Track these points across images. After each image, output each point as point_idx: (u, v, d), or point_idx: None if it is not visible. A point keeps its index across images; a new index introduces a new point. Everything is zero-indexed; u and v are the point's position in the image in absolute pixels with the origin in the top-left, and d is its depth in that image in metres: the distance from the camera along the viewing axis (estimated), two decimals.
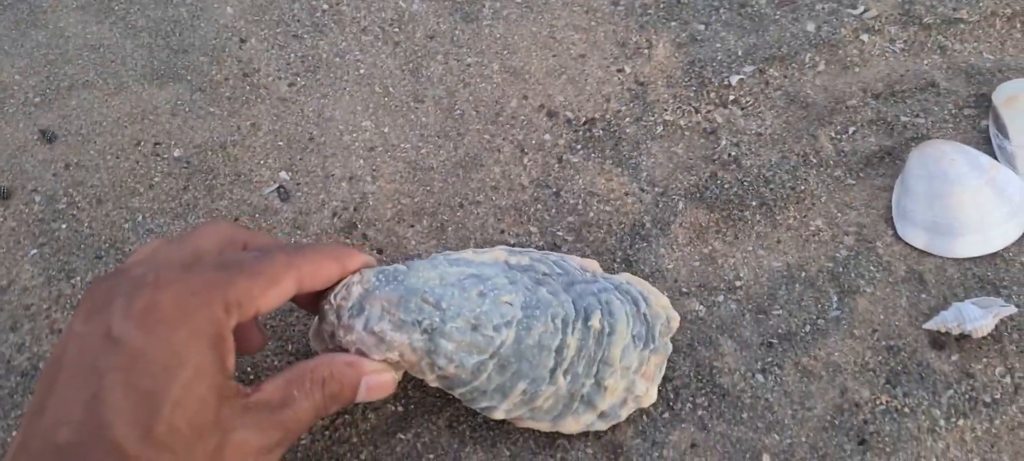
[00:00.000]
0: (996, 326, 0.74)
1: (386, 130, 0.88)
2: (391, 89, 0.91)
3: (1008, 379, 0.72)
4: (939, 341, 0.74)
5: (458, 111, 0.88)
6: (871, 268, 0.78)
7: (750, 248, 0.80)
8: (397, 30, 0.96)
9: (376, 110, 0.89)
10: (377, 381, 0.60)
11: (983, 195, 0.77)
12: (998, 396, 0.71)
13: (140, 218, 0.82)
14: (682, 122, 0.88)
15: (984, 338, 0.73)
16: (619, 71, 0.90)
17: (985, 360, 0.73)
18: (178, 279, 0.50)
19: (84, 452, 0.44)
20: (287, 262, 0.55)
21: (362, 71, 0.92)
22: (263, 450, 0.52)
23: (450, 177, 0.84)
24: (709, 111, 0.89)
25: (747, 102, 0.89)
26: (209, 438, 0.49)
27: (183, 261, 0.53)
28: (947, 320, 0.73)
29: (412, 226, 0.81)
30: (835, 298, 0.77)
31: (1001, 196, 0.78)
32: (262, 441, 0.52)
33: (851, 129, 0.87)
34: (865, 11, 0.97)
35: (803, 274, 0.78)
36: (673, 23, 0.95)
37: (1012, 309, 0.73)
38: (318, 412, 0.56)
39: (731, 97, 0.90)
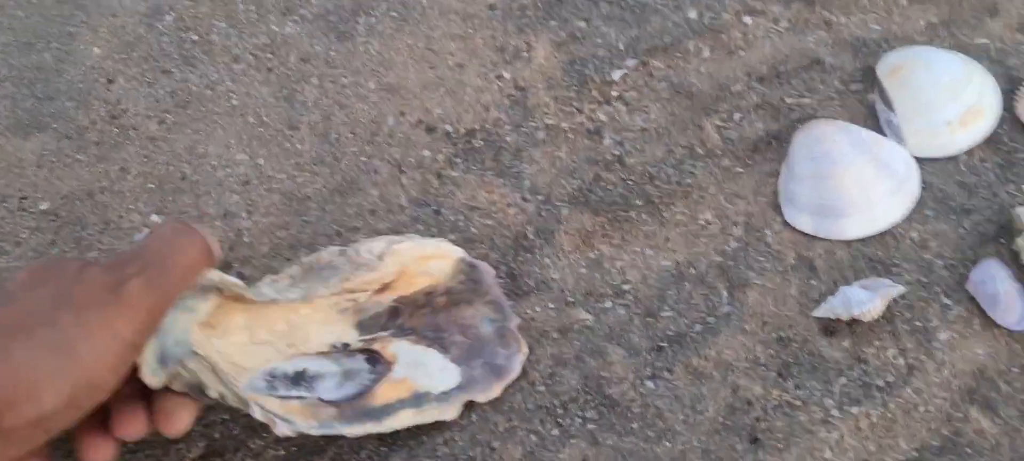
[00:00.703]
0: (888, 306, 0.71)
1: (261, 162, 0.84)
2: (265, 118, 0.87)
3: (901, 360, 0.69)
4: (830, 328, 0.72)
5: (334, 135, 0.85)
6: (760, 259, 0.76)
7: (638, 249, 0.77)
8: (270, 56, 0.92)
9: (250, 141, 0.85)
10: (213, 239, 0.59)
11: (867, 173, 0.75)
12: (891, 379, 0.69)
13: (7, 278, 0.78)
14: (564, 124, 0.85)
15: (876, 320, 0.71)
16: (498, 78, 0.87)
17: (877, 343, 0.71)
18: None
19: None
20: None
21: (235, 102, 0.88)
22: (114, 283, 0.51)
23: (327, 205, 0.81)
24: (592, 110, 0.86)
25: (631, 97, 0.87)
26: (60, 286, 0.50)
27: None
28: (835, 306, 0.71)
29: (289, 260, 0.77)
30: (725, 293, 0.74)
31: (885, 172, 0.76)
32: (108, 276, 0.51)
33: (737, 116, 0.85)
34: None
35: (693, 271, 0.75)
36: (553, 22, 0.92)
37: (900, 289, 0.70)
38: (172, 240, 0.57)
39: (614, 93, 0.87)
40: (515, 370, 0.67)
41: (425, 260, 0.68)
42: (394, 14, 0.96)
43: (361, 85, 0.91)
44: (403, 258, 0.67)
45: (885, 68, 0.84)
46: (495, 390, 0.66)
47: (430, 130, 0.87)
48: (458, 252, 0.70)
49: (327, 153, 0.86)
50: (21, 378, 0.44)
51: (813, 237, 0.77)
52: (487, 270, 0.71)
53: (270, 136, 0.88)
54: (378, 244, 0.67)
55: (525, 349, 0.68)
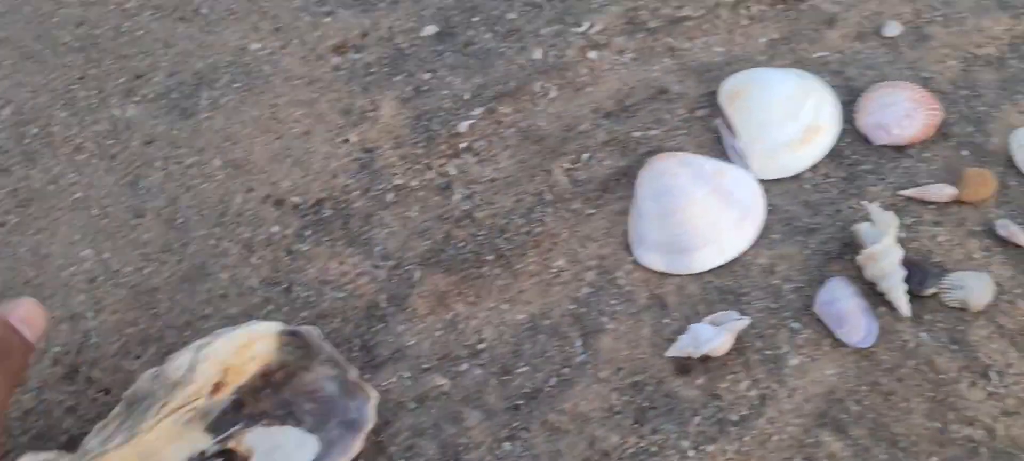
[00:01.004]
0: (738, 338, 0.71)
1: (107, 256, 0.82)
2: (110, 209, 0.84)
3: (754, 392, 0.69)
4: (684, 367, 0.72)
5: (181, 220, 0.82)
6: (613, 302, 0.75)
7: (492, 305, 0.76)
8: (113, 141, 0.89)
9: (95, 236, 0.83)
10: (25, 312, 0.57)
11: (711, 205, 0.75)
12: (745, 412, 0.69)
13: None
14: (414, 183, 0.84)
15: (727, 354, 0.71)
16: (345, 142, 0.86)
17: (730, 377, 0.70)
18: None
19: None
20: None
21: (78, 195, 0.86)
22: None
23: (176, 294, 0.78)
24: (441, 165, 0.85)
25: (480, 147, 0.86)
26: None
27: None
28: (686, 345, 0.70)
29: (138, 358, 0.75)
30: (579, 342, 0.73)
31: (730, 201, 0.76)
32: None
33: (585, 156, 0.84)
34: (590, 27, 0.95)
35: (547, 322, 0.75)
36: (397, 78, 0.91)
37: (746, 321, 0.70)
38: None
39: (463, 145, 0.86)
40: (369, 419, 0.67)
41: (245, 348, 0.66)
42: (237, 85, 0.94)
43: (207, 164, 0.88)
44: (220, 357, 0.65)
45: (725, 94, 0.84)
46: (355, 445, 0.66)
47: (278, 204, 0.85)
48: (274, 326, 0.69)
49: (174, 239, 0.84)
50: None
51: (664, 274, 0.77)
52: (311, 331, 0.69)
53: (115, 227, 0.85)
54: (185, 356, 0.65)
55: (373, 394, 0.67)
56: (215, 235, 0.83)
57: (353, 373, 0.68)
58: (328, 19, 0.98)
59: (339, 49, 0.95)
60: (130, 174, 0.89)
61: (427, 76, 0.92)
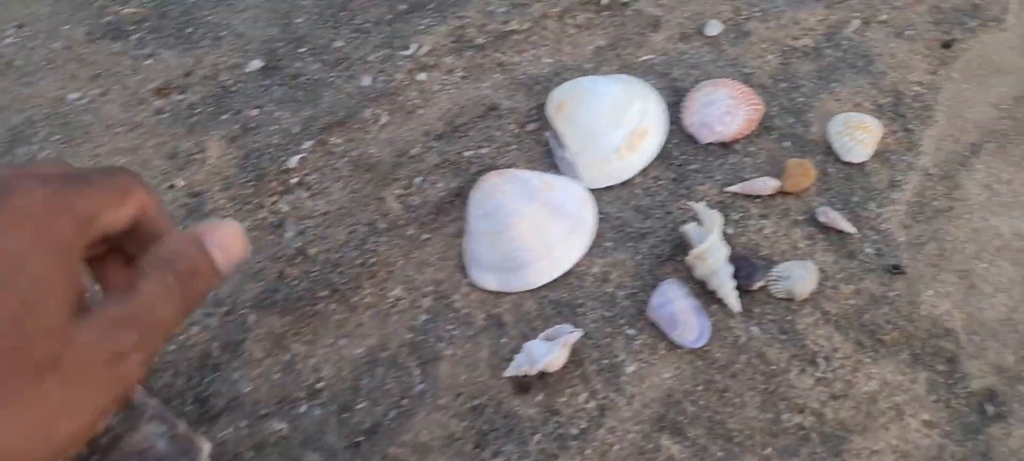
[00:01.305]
0: (574, 351, 0.71)
1: None
2: None
3: (592, 403, 0.69)
4: (523, 385, 0.71)
5: None
6: (450, 327, 0.74)
7: (330, 342, 0.74)
8: None
9: None
10: (223, 234, 0.50)
11: (540, 219, 0.75)
12: (585, 425, 0.68)
13: None
14: (245, 224, 0.81)
15: (565, 367, 0.70)
16: (171, 187, 0.82)
17: (569, 391, 0.70)
18: (30, 189, 0.43)
19: None
20: (131, 183, 0.47)
21: None
22: (112, 357, 0.43)
23: None
24: (273, 203, 0.82)
25: (311, 180, 0.83)
26: (43, 345, 0.41)
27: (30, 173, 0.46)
28: (522, 364, 0.70)
29: None
30: (418, 371, 0.72)
31: (558, 214, 0.75)
32: (108, 347, 0.43)
33: (418, 180, 0.83)
34: (418, 49, 0.93)
35: (385, 354, 0.73)
36: (224, 116, 0.88)
37: (578, 333, 0.70)
38: (177, 298, 0.47)
39: (294, 180, 0.83)
40: None
41: None
42: (56, 137, 0.90)
43: None
44: None
45: (552, 105, 0.84)
46: None
47: None
48: None
49: None
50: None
51: (500, 293, 0.76)
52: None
53: None
54: None
55: (206, 445, 0.65)
56: None
57: (182, 426, 0.66)
58: (149, 61, 0.95)
59: (162, 92, 0.92)
60: None
61: (254, 112, 0.89)
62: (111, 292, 0.48)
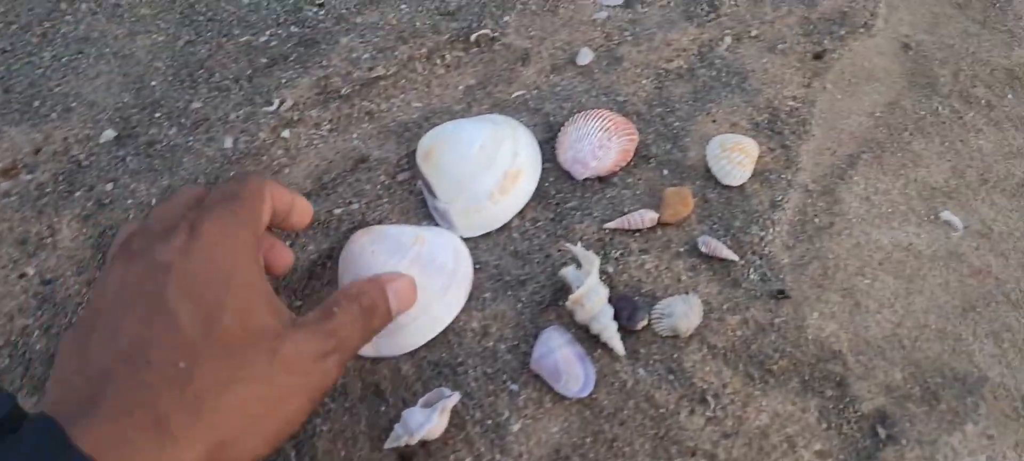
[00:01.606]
0: (456, 413, 0.67)
1: None
2: None
3: None
4: (406, 455, 0.67)
5: None
6: (326, 400, 0.69)
7: None
8: None
9: None
10: (400, 284, 0.68)
11: (413, 274, 0.70)
12: None
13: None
14: None
15: (447, 432, 0.66)
16: (21, 276, 0.76)
17: (452, 456, 0.66)
18: (206, 216, 0.56)
19: (147, 347, 0.49)
20: (261, 181, 0.62)
21: None
22: (318, 355, 0.57)
23: None
24: None
25: None
26: (264, 342, 0.53)
27: (188, 205, 0.59)
28: (400, 435, 0.66)
29: None
30: (293, 452, 0.68)
31: (432, 269, 0.72)
32: (315, 347, 0.57)
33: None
34: (281, 104, 0.89)
35: None
36: (77, 194, 0.82)
37: (456, 396, 0.67)
38: (360, 326, 0.62)
39: None
40: None
41: None
42: None
43: None
44: None
45: (421, 153, 0.81)
46: None
47: None
48: None
49: None
50: (237, 425, 0.50)
51: (377, 358, 0.71)
52: None
53: None
54: None
55: None
56: None
57: None
58: None
59: (9, 173, 0.86)
60: None
61: (109, 186, 0.84)
62: (311, 313, 0.60)
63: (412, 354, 0.73)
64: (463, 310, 0.74)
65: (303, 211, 0.68)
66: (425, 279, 0.71)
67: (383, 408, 0.70)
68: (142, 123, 0.90)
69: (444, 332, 0.73)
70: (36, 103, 0.93)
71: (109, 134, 0.89)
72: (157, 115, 0.91)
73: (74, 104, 0.92)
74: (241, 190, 0.60)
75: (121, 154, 0.88)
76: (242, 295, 0.54)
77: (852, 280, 0.75)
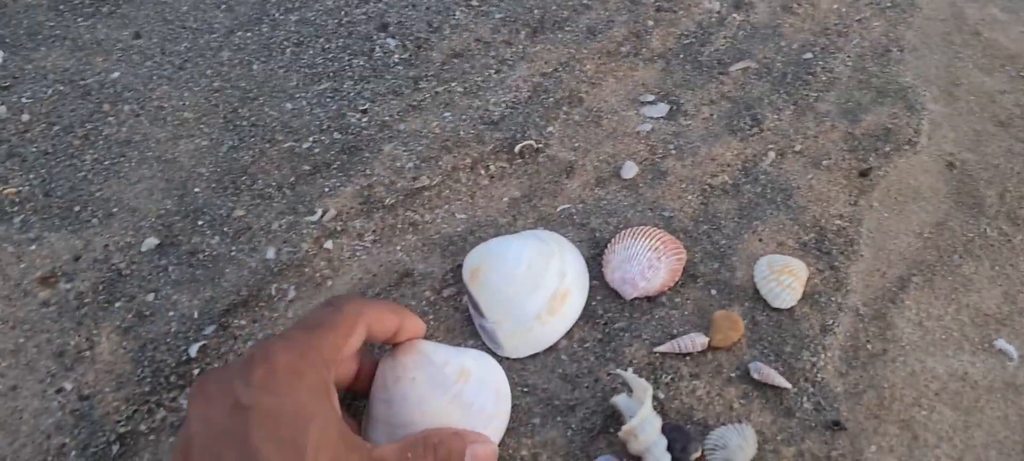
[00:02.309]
0: None
1: None
2: None
3: None
4: None
5: None
6: None
7: None
8: None
9: None
10: (482, 451, 0.65)
11: (449, 414, 0.69)
12: None
13: None
14: (142, 428, 0.74)
15: None
16: (59, 392, 0.75)
17: None
18: (283, 348, 0.57)
19: None
20: (357, 311, 0.63)
21: None
22: None
23: None
24: (172, 399, 0.76)
25: None
26: None
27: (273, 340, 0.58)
28: None
29: None
30: None
31: (472, 412, 0.70)
32: None
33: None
34: (324, 214, 0.88)
35: None
36: (117, 304, 0.81)
37: None
38: None
39: (196, 371, 0.77)
40: None
41: None
42: None
43: None
44: None
45: (467, 271, 0.80)
46: None
47: None
48: None
49: None
50: None
51: None
52: None
53: None
54: None
55: None
56: None
57: None
58: (33, 247, 0.88)
59: (48, 280, 0.85)
60: None
61: (150, 297, 0.83)
62: (388, 449, 0.60)
63: None
64: (511, 435, 0.72)
65: (415, 329, 0.69)
66: (466, 419, 0.70)
67: None
68: (185, 231, 0.89)
69: None
70: (77, 208, 0.92)
71: (151, 242, 0.89)
72: (200, 223, 0.90)
73: (115, 209, 0.92)
74: (327, 318, 0.61)
75: (163, 263, 0.87)
76: (325, 433, 0.55)
77: (909, 411, 0.73)
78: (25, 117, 1.03)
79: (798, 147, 0.95)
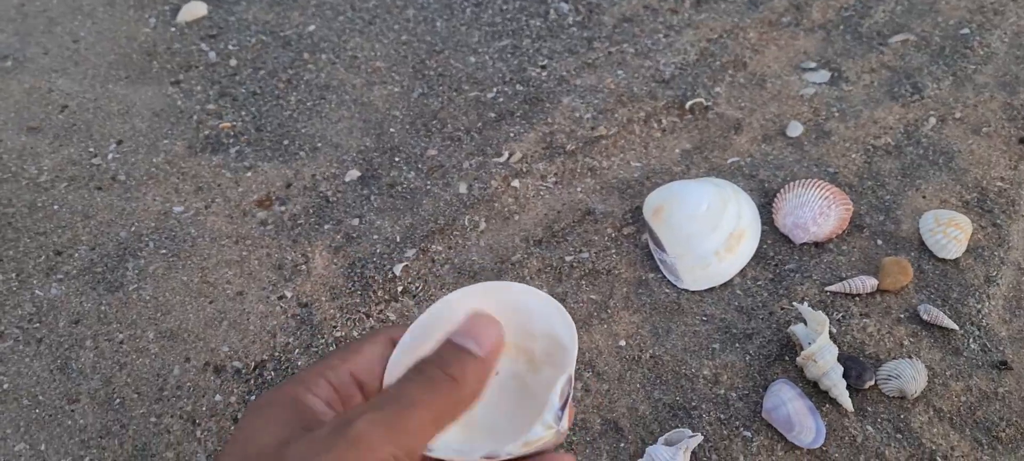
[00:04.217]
0: (693, 455, 0.72)
1: (42, 447, 0.78)
2: (41, 397, 0.81)
3: None
4: None
5: (118, 399, 0.80)
6: (568, 433, 0.75)
7: None
8: (38, 325, 0.86)
9: (28, 427, 0.80)
10: (487, 331, 0.50)
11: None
12: None
13: None
14: (355, 333, 0.83)
15: None
16: (280, 298, 0.85)
17: None
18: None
19: None
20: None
21: (5, 386, 0.82)
22: None
23: None
24: (380, 311, 0.84)
25: (417, 288, 0.86)
26: None
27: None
28: None
29: None
30: None
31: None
32: None
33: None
34: (510, 156, 0.97)
35: None
36: (327, 226, 0.91)
37: (698, 438, 0.72)
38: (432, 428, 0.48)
39: (400, 288, 0.86)
40: None
41: None
42: (164, 252, 0.93)
43: (139, 337, 0.87)
44: None
45: (649, 210, 0.87)
46: None
47: (219, 371, 0.84)
48: None
49: (113, 421, 0.81)
50: None
51: (613, 398, 0.77)
52: None
53: (49, 416, 0.83)
54: None
55: None
56: (155, 412, 0.81)
57: None
58: (249, 173, 0.98)
59: (264, 203, 0.95)
60: (59, 357, 0.86)
61: (355, 222, 0.92)
62: None
63: (648, 395, 0.78)
64: (694, 357, 0.79)
65: None
66: None
67: (622, 444, 0.76)
68: (383, 166, 0.99)
69: (676, 376, 0.78)
70: (285, 142, 1.02)
71: (354, 174, 0.98)
72: (397, 159, 0.99)
73: (320, 145, 1.01)
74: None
75: (365, 193, 0.97)
76: None
77: None
78: (233, 62, 1.14)
79: (958, 114, 1.00)
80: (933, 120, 0.99)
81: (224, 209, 0.95)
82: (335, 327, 0.85)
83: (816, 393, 0.76)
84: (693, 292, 0.84)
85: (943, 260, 0.85)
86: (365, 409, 0.41)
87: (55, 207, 0.99)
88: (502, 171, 0.95)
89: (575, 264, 0.87)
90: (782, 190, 0.90)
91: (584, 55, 1.09)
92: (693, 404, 0.77)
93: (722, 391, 0.77)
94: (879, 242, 0.87)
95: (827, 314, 0.81)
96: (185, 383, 0.83)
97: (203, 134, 1.03)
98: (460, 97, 1.05)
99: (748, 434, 0.74)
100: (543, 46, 1.10)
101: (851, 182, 0.92)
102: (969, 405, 0.74)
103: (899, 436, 0.73)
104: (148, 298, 0.89)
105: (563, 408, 0.40)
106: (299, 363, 0.83)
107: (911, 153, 0.95)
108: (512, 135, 0.98)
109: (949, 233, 0.85)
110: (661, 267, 0.86)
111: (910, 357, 0.78)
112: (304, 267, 0.90)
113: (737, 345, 0.80)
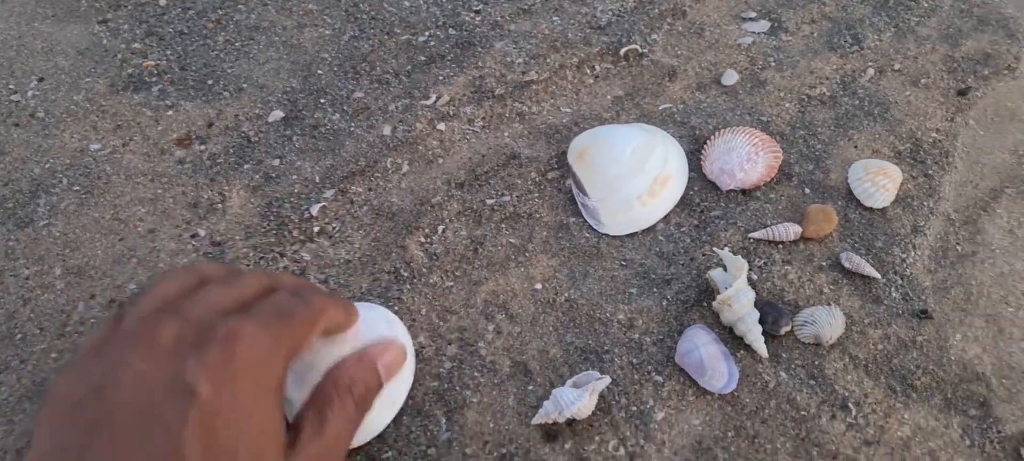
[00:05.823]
0: (602, 398, 0.70)
1: None
2: None
3: (622, 451, 0.68)
4: (552, 432, 0.70)
5: (19, 334, 0.78)
6: (476, 374, 0.73)
7: None
8: None
9: None
10: (391, 357, 0.64)
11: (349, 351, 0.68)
12: None
13: None
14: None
15: (593, 415, 0.70)
16: (193, 237, 0.82)
17: (598, 438, 0.69)
18: (250, 338, 0.51)
19: None
20: (321, 307, 0.58)
21: None
22: None
23: (15, 415, 0.73)
24: (295, 251, 0.82)
25: (334, 229, 0.83)
26: None
27: (240, 306, 0.54)
28: (550, 411, 0.69)
29: None
30: (444, 420, 0.71)
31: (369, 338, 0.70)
32: None
33: (440, 229, 0.82)
34: (438, 99, 0.94)
35: (410, 403, 0.72)
36: (246, 166, 0.88)
37: (606, 380, 0.70)
38: (356, 421, 0.59)
39: (316, 229, 0.83)
40: None
41: None
42: (77, 188, 0.90)
43: (46, 273, 0.84)
44: None
45: (573, 153, 0.85)
46: None
47: (123, 309, 0.81)
48: None
49: (12, 356, 0.79)
50: None
51: (525, 340, 0.75)
52: None
53: None
54: None
55: None
56: (56, 348, 0.79)
57: None
58: (170, 112, 0.95)
59: (183, 142, 0.92)
60: None
61: (276, 162, 0.90)
62: (304, 428, 0.56)
63: (560, 337, 0.76)
64: (610, 301, 0.77)
65: (353, 328, 0.65)
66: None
67: (530, 387, 0.74)
68: (308, 107, 0.96)
69: (590, 320, 0.76)
70: (209, 82, 0.99)
71: (277, 114, 0.95)
72: (322, 101, 0.96)
73: (245, 85, 0.99)
74: (298, 311, 0.55)
75: (288, 134, 0.94)
76: (259, 441, 0.50)
77: (996, 308, 0.76)
78: (162, 2, 1.11)
79: (897, 66, 0.98)
80: (871, 71, 0.97)
81: (142, 147, 0.93)
82: (247, 265, 0.83)
83: (732, 338, 0.74)
84: (614, 237, 0.82)
85: (870, 209, 0.83)
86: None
87: None
88: (428, 114, 0.93)
89: (496, 207, 0.85)
90: (711, 137, 0.88)
91: (520, 1, 1.06)
92: (606, 348, 0.75)
93: (636, 336, 0.75)
94: (807, 190, 0.85)
95: (749, 260, 0.79)
96: (88, 319, 0.80)
97: (126, 73, 1.00)
98: (391, 40, 1.02)
99: (660, 378, 0.72)
100: None
101: (783, 131, 0.90)
102: (886, 353, 0.73)
103: (812, 382, 0.71)
104: (58, 235, 0.86)
105: None
106: None
107: (846, 103, 0.93)
108: (441, 78, 0.96)
109: (877, 181, 0.83)
110: (583, 212, 0.83)
111: (829, 304, 0.76)
112: (220, 206, 0.87)
113: (655, 290, 0.78)
